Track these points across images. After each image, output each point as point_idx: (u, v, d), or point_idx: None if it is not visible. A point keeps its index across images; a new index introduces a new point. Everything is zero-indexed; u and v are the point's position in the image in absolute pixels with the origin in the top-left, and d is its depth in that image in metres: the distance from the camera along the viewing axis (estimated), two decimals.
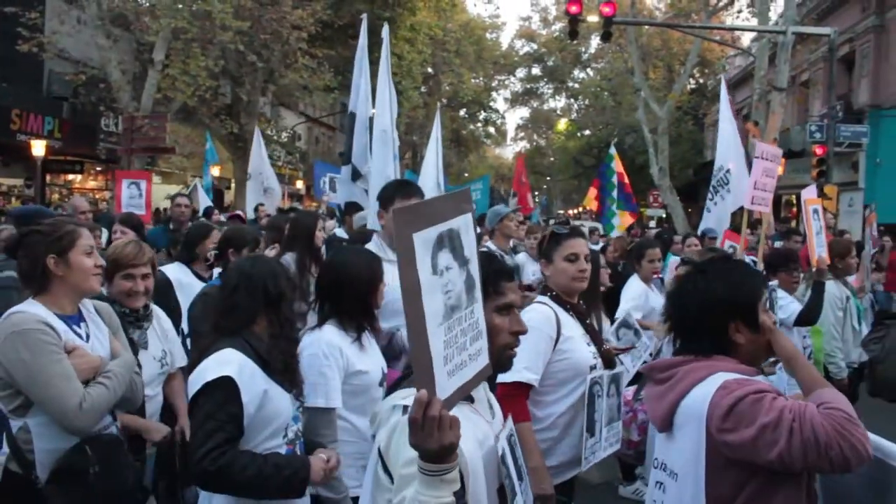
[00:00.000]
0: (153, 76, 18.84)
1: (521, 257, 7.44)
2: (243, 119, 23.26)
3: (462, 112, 45.34)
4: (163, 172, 25.42)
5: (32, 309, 2.79)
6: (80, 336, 2.89)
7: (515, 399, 3.10)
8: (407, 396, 1.86)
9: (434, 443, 1.56)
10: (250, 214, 12.78)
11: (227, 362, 2.62)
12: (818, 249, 5.51)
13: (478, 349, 1.78)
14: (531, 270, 6.71)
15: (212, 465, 2.49)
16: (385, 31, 6.98)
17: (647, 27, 28.11)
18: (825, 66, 18.71)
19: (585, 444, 3.24)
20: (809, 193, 5.78)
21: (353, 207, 7.27)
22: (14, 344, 2.65)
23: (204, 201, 13.03)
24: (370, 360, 3.17)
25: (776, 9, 21.89)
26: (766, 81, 19.29)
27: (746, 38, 24.88)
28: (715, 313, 2.22)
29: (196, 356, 2.77)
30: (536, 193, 48.16)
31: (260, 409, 2.64)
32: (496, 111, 50.87)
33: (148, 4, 19.57)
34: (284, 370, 2.73)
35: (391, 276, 3.35)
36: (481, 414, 2.05)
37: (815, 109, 23.66)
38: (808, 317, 5.48)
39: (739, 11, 25.70)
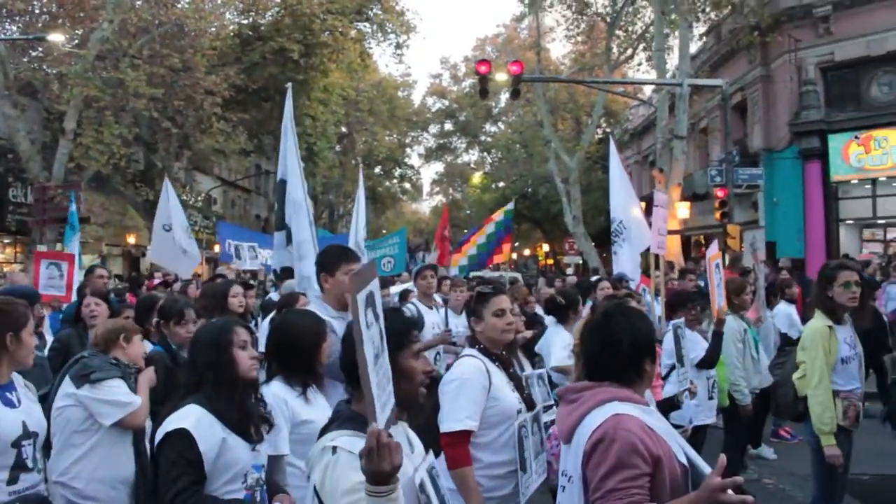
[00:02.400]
0: (65, 145, 18.56)
1: (449, 312, 7.56)
2: (158, 185, 23.04)
3: (377, 169, 45.82)
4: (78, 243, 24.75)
5: None
6: (11, 402, 3.17)
7: (459, 446, 3.39)
8: (334, 439, 2.20)
9: (387, 465, 1.86)
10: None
11: (186, 416, 2.86)
12: (718, 300, 5.99)
13: (390, 391, 2.06)
14: (460, 324, 6.88)
15: None
16: (288, 97, 7.09)
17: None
18: (721, 113, 19.87)
19: (521, 480, 3.52)
20: (713, 251, 6.29)
21: (288, 272, 7.40)
22: None
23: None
24: (316, 411, 3.39)
25: (673, 61, 23.18)
26: (667, 130, 20.33)
27: (648, 89, 26.17)
28: (641, 348, 2.60)
29: (167, 411, 3.00)
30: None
31: (219, 456, 2.86)
32: (411, 167, 51.68)
33: (55, 73, 19.30)
34: (239, 423, 2.94)
35: (339, 332, 3.64)
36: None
37: (715, 154, 24.93)
38: (709, 361, 5.93)
39: (640, 64, 27.08)
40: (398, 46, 29.50)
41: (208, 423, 2.88)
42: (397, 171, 49.38)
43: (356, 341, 1.87)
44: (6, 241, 23.90)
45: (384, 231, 53.28)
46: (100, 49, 18.02)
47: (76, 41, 18.80)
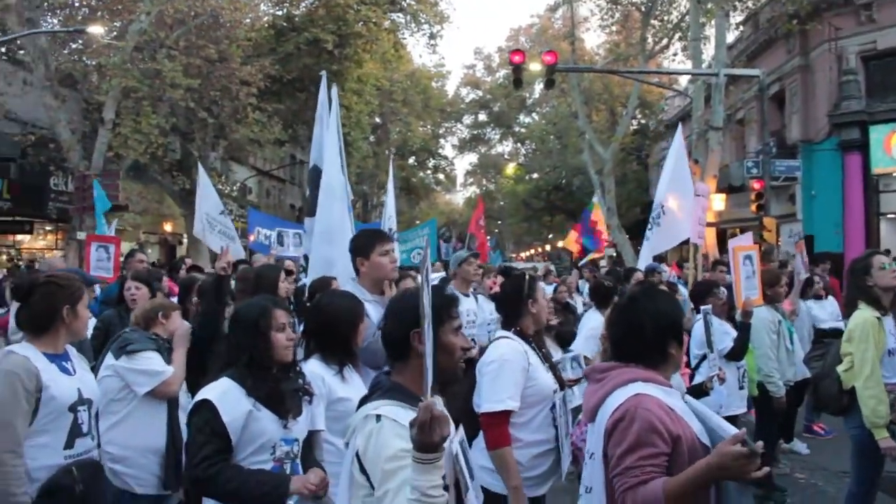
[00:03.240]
0: (104, 135, 18.83)
1: (479, 298, 7.67)
2: (195, 174, 23.31)
3: (411, 160, 45.85)
4: (115, 230, 25.21)
5: (24, 352, 3.24)
6: (67, 370, 3.37)
7: (500, 426, 3.50)
8: (378, 407, 2.31)
9: (437, 436, 2.00)
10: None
11: (214, 388, 3.02)
12: (746, 293, 5.93)
13: (431, 364, 2.12)
14: (488, 310, 6.95)
15: (203, 473, 2.90)
16: (332, 89, 7.16)
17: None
18: (758, 104, 19.61)
19: (562, 458, 3.70)
20: (739, 241, 6.25)
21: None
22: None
23: None
24: (352, 390, 3.47)
25: (709, 51, 22.86)
26: (703, 121, 20.08)
27: (683, 80, 25.86)
28: (666, 331, 2.66)
29: (204, 384, 3.18)
30: (488, 237, 48.71)
31: (245, 428, 2.98)
32: (445, 158, 51.67)
33: (95, 64, 19.62)
34: (268, 398, 3.03)
35: (374, 316, 3.79)
36: None
37: (752, 146, 24.60)
38: (736, 353, 5.93)
39: (675, 54, 26.75)
40: (432, 37, 29.48)
41: (235, 396, 3.00)
42: (431, 162, 49.42)
43: (422, 316, 2.04)
44: (48, 228, 24.41)
45: (417, 222, 53.50)
46: (137, 40, 18.24)
47: (114, 33, 19.02)
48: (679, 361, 2.73)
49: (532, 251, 64.58)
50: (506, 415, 3.55)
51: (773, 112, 23.13)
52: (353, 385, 3.55)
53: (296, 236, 11.78)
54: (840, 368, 4.79)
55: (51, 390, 3.19)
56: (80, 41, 20.46)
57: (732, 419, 5.82)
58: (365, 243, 4.28)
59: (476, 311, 7.10)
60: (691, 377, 5.50)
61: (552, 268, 20.33)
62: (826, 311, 8.41)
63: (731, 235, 27.11)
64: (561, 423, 3.73)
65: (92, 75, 19.47)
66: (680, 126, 9.66)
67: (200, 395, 3.03)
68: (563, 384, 3.86)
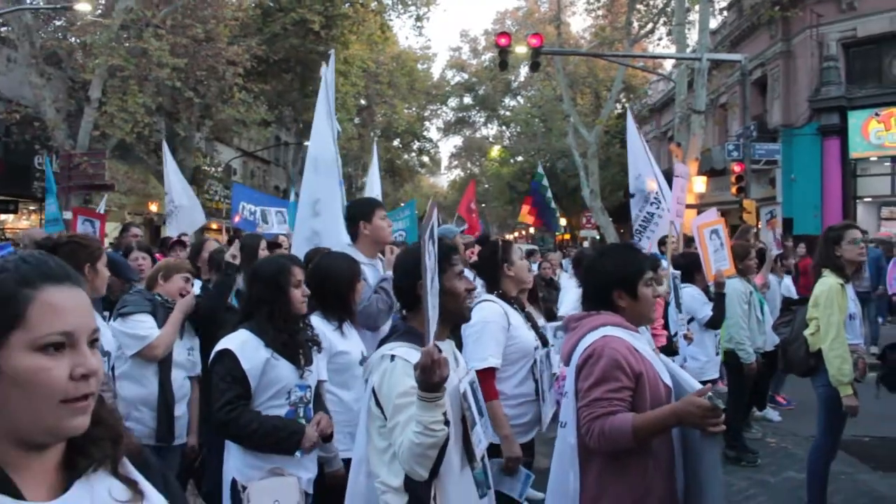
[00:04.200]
0: (90, 113, 18.79)
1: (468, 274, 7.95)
2: (180, 154, 23.32)
3: (396, 142, 45.86)
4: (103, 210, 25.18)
5: None
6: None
7: (486, 382, 3.72)
8: (393, 348, 2.59)
9: (437, 377, 2.27)
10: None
11: (233, 339, 3.26)
12: (717, 265, 6.36)
13: (436, 306, 2.38)
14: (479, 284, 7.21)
15: (225, 416, 3.14)
16: (331, 65, 7.23)
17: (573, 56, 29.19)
18: (740, 89, 19.89)
19: (542, 409, 4.01)
20: (702, 219, 6.61)
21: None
22: None
23: None
24: (351, 344, 3.80)
25: (694, 36, 23.11)
26: (686, 105, 20.35)
27: (668, 64, 26.11)
28: (603, 283, 2.97)
29: (223, 335, 3.40)
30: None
31: (263, 375, 3.24)
32: (429, 140, 51.58)
33: (78, 41, 19.53)
34: (283, 347, 3.28)
35: (370, 279, 4.13)
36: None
37: (734, 130, 24.91)
38: (715, 321, 6.39)
39: (660, 39, 26.97)
40: (418, 19, 29.46)
41: (254, 345, 3.24)
42: (416, 145, 49.37)
43: (423, 271, 2.28)
44: (31, 207, 24.34)
45: (402, 204, 53.50)
46: (124, 19, 18.21)
47: (99, 11, 18.96)
48: (643, 311, 2.96)
49: (516, 233, 64.90)
50: (491, 371, 3.83)
51: (756, 97, 23.44)
52: (352, 340, 3.84)
53: (279, 214, 11.87)
54: (807, 332, 5.09)
55: None
56: (63, 18, 20.38)
57: (707, 384, 6.16)
58: (366, 209, 4.59)
59: None
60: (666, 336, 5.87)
61: (536, 248, 20.56)
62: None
63: None
64: (544, 377, 4.02)
65: (76, 53, 19.37)
66: (629, 112, 9.86)
67: (221, 345, 3.25)
68: (545, 342, 4.15)
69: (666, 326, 6.22)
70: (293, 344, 3.32)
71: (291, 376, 3.30)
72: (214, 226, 31.52)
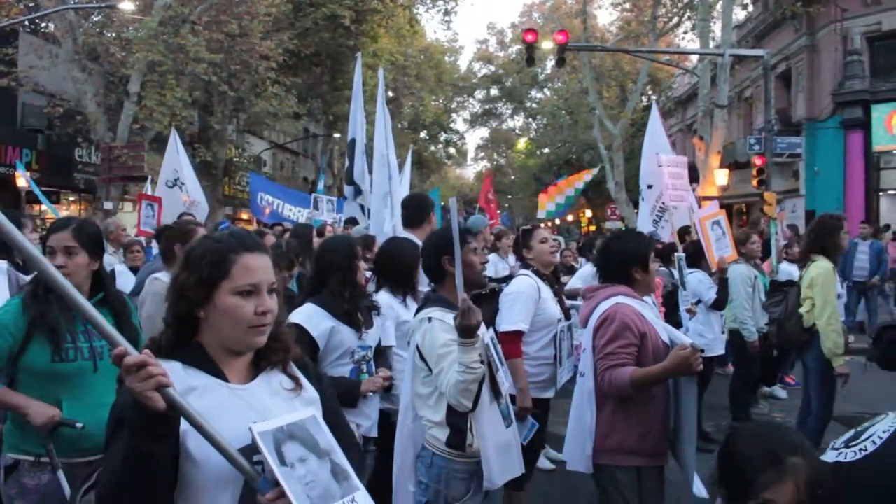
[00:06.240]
0: (129, 107, 19.44)
1: (492, 257, 8.61)
2: (214, 146, 24.00)
3: (423, 134, 46.29)
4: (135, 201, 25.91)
5: (165, 278, 4.08)
6: None
7: (513, 342, 4.50)
8: (429, 313, 3.26)
9: (474, 321, 2.89)
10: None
11: (299, 313, 3.83)
12: (719, 252, 7.02)
13: (461, 278, 3.00)
14: (500, 268, 7.87)
15: None
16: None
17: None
18: (763, 83, 20.10)
19: (557, 371, 4.71)
20: (704, 212, 7.22)
21: (352, 221, 8.75)
22: (152, 301, 4.07)
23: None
24: (413, 314, 4.37)
25: (718, 31, 23.33)
26: (709, 99, 20.63)
27: (693, 58, 26.30)
28: (624, 261, 3.64)
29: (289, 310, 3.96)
30: (499, 211, 49.17)
31: (329, 340, 3.83)
32: (456, 132, 51.89)
33: (115, 36, 20.16)
34: (346, 314, 3.87)
35: None
36: None
37: (758, 123, 25.11)
38: (719, 303, 6.99)
39: (685, 33, 27.19)
40: (446, 13, 29.95)
41: (319, 316, 3.83)
42: (443, 136, 49.79)
43: (454, 245, 2.90)
44: (71, 198, 25.15)
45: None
46: (162, 15, 18.83)
47: (139, 6, 19.54)
48: (646, 283, 3.68)
49: (542, 225, 65.05)
50: (518, 334, 4.56)
51: (780, 90, 23.61)
52: (413, 311, 4.46)
53: (329, 202, 12.51)
54: (802, 310, 5.71)
55: None
56: (102, 14, 21.02)
57: (712, 360, 7.07)
58: (430, 204, 5.57)
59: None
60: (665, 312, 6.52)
61: (560, 239, 20.97)
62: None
63: (738, 211, 27.75)
64: (563, 345, 4.72)
65: (114, 48, 19.96)
66: (654, 105, 10.31)
67: (291, 319, 3.72)
68: (567, 315, 4.84)
69: (675, 306, 6.72)
70: (353, 311, 3.90)
71: (352, 339, 3.89)
72: (245, 216, 32.25)
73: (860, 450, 1.95)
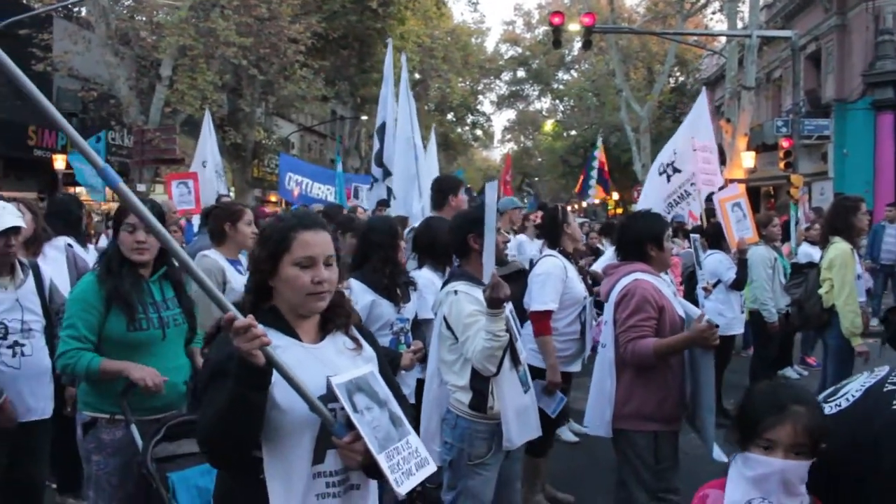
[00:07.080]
0: (161, 91, 19.77)
1: (523, 238, 8.87)
2: (244, 129, 24.32)
3: (450, 116, 46.36)
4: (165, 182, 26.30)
5: (213, 255, 4.48)
6: (240, 272, 4.42)
7: (543, 320, 4.82)
8: (455, 285, 3.54)
9: (502, 293, 3.15)
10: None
11: (345, 288, 4.03)
12: (740, 233, 7.10)
13: (490, 254, 3.23)
14: (529, 249, 8.07)
15: None
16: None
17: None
18: (792, 64, 20.00)
19: (584, 345, 5.03)
20: (724, 194, 7.36)
21: (383, 203, 8.94)
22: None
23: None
24: None
25: (746, 11, 23.15)
26: (736, 81, 20.56)
27: (721, 39, 26.12)
28: (639, 238, 3.89)
29: None
30: (525, 193, 49.23)
31: (370, 312, 4.10)
32: (483, 114, 51.93)
33: (145, 20, 20.47)
34: (386, 289, 4.17)
35: None
36: None
37: (786, 105, 24.93)
38: (738, 283, 7.11)
39: (714, 13, 27.02)
40: None
41: (361, 290, 4.13)
42: (469, 118, 49.80)
43: (485, 223, 3.10)
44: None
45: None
46: (193, 0, 19.10)
47: None
48: (662, 261, 3.92)
49: (569, 207, 64.95)
50: (548, 313, 4.84)
51: (810, 71, 23.40)
52: None
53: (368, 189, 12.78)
54: (822, 291, 5.87)
55: (231, 283, 4.33)
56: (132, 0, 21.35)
57: (730, 338, 7.28)
58: (453, 185, 5.71)
59: (516, 247, 8.31)
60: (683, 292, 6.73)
61: (587, 221, 21.14)
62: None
63: (766, 194, 27.59)
64: (588, 321, 5.02)
65: (144, 33, 20.27)
66: (704, 93, 10.28)
67: None
68: (591, 292, 5.15)
69: (695, 286, 6.88)
70: (393, 286, 4.19)
71: (391, 312, 4.19)
72: (273, 198, 32.63)
73: (836, 405, 2.14)
